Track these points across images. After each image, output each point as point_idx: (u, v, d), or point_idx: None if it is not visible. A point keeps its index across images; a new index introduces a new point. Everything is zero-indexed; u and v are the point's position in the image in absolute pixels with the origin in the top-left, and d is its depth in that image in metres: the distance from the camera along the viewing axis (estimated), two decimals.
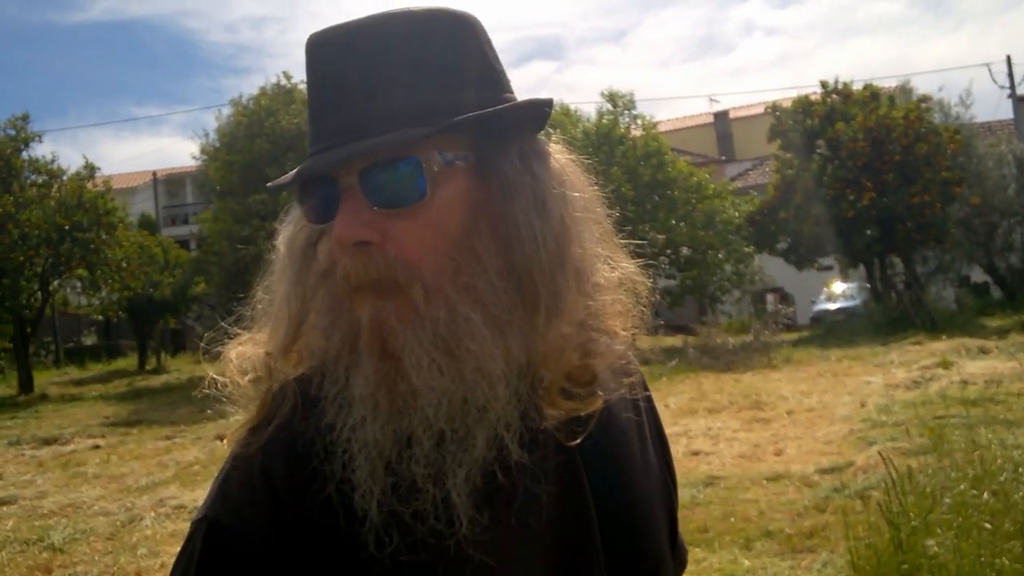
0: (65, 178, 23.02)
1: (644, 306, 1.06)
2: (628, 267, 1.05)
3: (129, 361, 29.09)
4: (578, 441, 0.99)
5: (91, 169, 23.26)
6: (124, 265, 23.45)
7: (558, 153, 1.02)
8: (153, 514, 7.82)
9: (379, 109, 0.91)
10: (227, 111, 25.91)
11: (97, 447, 12.33)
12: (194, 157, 28.66)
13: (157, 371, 26.00)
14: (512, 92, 1.00)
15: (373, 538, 0.89)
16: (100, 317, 29.79)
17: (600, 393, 1.01)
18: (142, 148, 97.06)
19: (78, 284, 25.47)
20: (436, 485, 0.90)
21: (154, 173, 46.91)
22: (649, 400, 1.19)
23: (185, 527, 0.87)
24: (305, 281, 0.99)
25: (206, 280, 25.51)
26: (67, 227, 21.85)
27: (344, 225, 0.90)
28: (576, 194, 1.00)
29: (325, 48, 0.93)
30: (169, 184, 48.38)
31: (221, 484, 0.98)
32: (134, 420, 15.13)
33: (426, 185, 0.91)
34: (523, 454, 0.92)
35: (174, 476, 9.66)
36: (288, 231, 1.03)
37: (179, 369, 25.86)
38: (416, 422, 0.90)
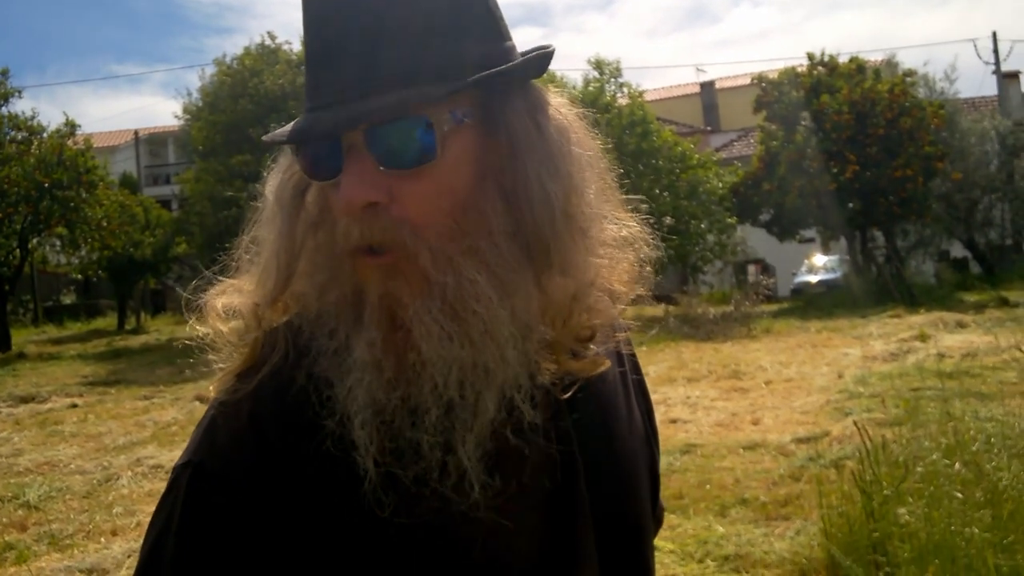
0: (45, 135, 22.73)
1: (647, 265, 1.05)
2: (633, 225, 1.04)
3: (108, 321, 28.93)
4: (568, 395, 0.98)
5: (72, 127, 22.99)
6: (104, 224, 23.26)
7: (563, 107, 1.00)
8: (130, 473, 7.82)
9: (385, 63, 0.87)
10: (210, 71, 25.70)
11: (75, 406, 12.30)
12: (177, 117, 28.48)
13: (136, 331, 25.90)
14: (511, 38, 0.97)
15: (372, 497, 0.88)
16: (79, 276, 29.61)
17: (602, 354, 1.02)
18: (122, 106, 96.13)
19: (57, 242, 25.30)
20: (447, 452, 0.89)
21: (136, 132, 46.44)
22: (633, 355, 1.19)
23: (162, 486, 0.85)
24: (294, 231, 0.96)
25: (187, 241, 25.37)
26: (47, 185, 21.63)
27: (353, 187, 0.87)
28: (583, 151, 0.98)
29: None
30: (151, 143, 47.94)
31: (207, 429, 0.96)
32: (112, 380, 15.09)
33: (436, 145, 0.88)
34: (535, 415, 0.92)
35: (152, 436, 9.65)
36: (276, 179, 1.00)
37: (159, 330, 25.76)
38: (426, 391, 0.89)
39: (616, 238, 1.02)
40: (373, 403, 0.88)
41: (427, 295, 0.88)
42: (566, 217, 0.92)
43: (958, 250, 29.57)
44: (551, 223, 0.91)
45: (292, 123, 0.92)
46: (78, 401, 12.69)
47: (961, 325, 14.66)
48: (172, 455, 8.28)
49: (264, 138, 0.94)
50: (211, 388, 1.00)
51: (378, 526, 0.89)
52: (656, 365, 12.76)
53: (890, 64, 28.22)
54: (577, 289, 0.96)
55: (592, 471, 1.01)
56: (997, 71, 34.30)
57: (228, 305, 1.00)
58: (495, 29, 0.94)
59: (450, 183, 0.90)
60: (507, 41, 0.96)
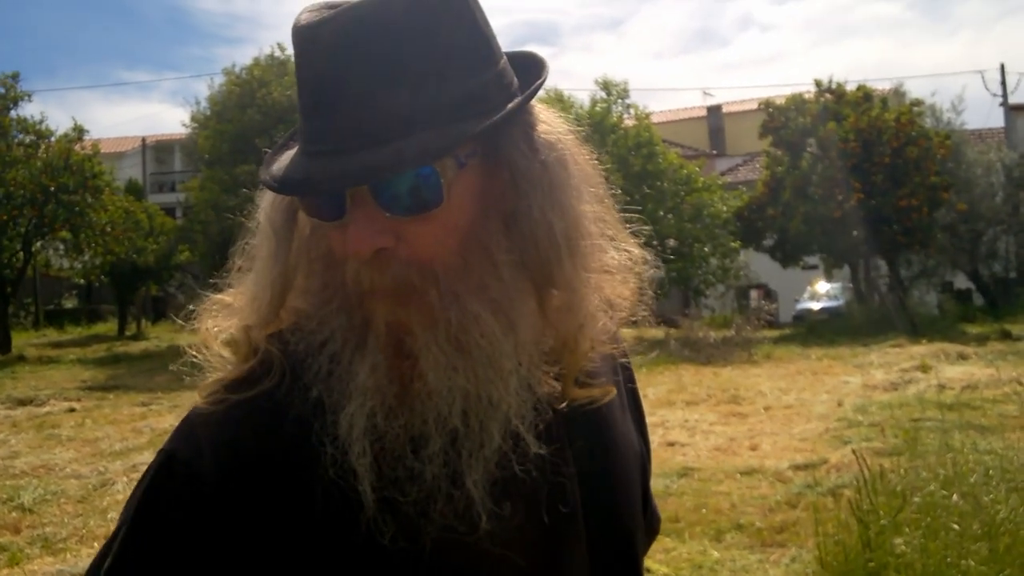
0: (53, 139, 22.77)
1: (648, 287, 1.06)
2: (634, 250, 1.05)
3: (109, 326, 28.92)
4: (564, 404, 0.99)
5: (79, 131, 23.04)
6: (108, 229, 23.28)
7: (554, 122, 0.99)
8: (125, 479, 7.80)
9: (382, 110, 0.85)
10: (219, 80, 25.79)
11: (72, 410, 12.29)
12: (184, 125, 28.55)
13: (137, 337, 25.86)
14: (502, 55, 0.96)
15: (372, 523, 0.89)
16: (82, 281, 29.57)
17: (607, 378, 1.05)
18: (131, 113, 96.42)
19: (61, 246, 25.28)
20: (453, 482, 0.90)
21: (143, 139, 46.58)
22: (628, 364, 1.19)
23: None
24: (288, 256, 0.96)
25: (190, 249, 25.38)
26: (52, 188, 21.67)
27: (362, 235, 0.87)
28: (579, 173, 0.99)
29: (318, 42, 0.86)
30: (158, 151, 48.03)
31: (184, 427, 0.97)
32: (111, 385, 15.07)
33: (443, 191, 0.88)
34: (540, 446, 0.92)
35: (148, 442, 9.63)
36: (268, 199, 0.99)
37: (159, 336, 25.74)
38: (430, 420, 0.89)
39: (617, 262, 1.03)
40: (373, 430, 0.88)
41: (434, 327, 0.89)
42: (568, 246, 0.94)
43: (962, 281, 29.53)
44: (555, 252, 0.92)
45: (286, 163, 0.91)
46: (76, 405, 12.68)
47: (963, 357, 14.63)
48: None
49: (261, 181, 0.92)
50: (198, 394, 0.99)
51: (377, 551, 0.89)
52: (655, 387, 12.73)
53: (897, 93, 28.29)
54: (583, 319, 0.97)
55: (589, 490, 1.02)
56: (1005, 103, 34.40)
57: (220, 325, 1.01)
58: (487, 56, 0.93)
59: (455, 222, 0.90)
60: (499, 62, 0.95)
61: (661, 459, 8.08)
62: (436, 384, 0.89)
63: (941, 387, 11.14)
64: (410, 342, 0.90)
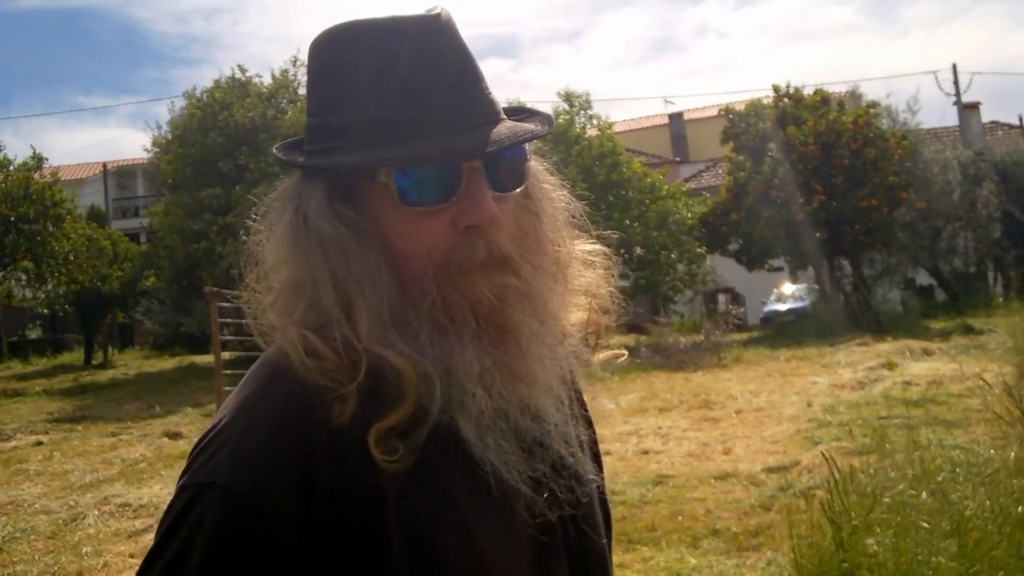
0: (12, 168, 22.51)
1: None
2: (599, 259, 1.12)
3: (75, 355, 28.54)
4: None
5: (39, 160, 22.77)
6: (71, 258, 23.00)
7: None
8: (97, 512, 7.70)
9: (487, 97, 0.99)
10: (180, 103, 25.65)
11: (40, 443, 12.08)
12: (145, 149, 28.37)
13: (104, 366, 25.57)
14: None
15: (529, 504, 0.96)
16: (46, 311, 29.18)
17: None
18: (90, 139, 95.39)
19: (23, 277, 24.95)
20: (547, 450, 0.99)
21: (104, 165, 46.09)
22: (575, 379, 1.21)
23: (130, 525, 0.80)
24: (369, 257, 0.96)
25: (156, 274, 25.18)
26: (12, 218, 21.38)
27: (490, 205, 0.95)
28: (556, 192, 1.10)
29: (443, 32, 0.97)
30: (119, 176, 47.55)
31: (246, 441, 0.91)
32: (79, 416, 14.87)
33: (526, 174, 1.02)
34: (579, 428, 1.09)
35: (119, 473, 9.53)
36: (316, 205, 0.97)
37: (126, 364, 25.47)
38: (540, 394, 0.98)
39: (589, 280, 1.11)
40: (494, 410, 0.94)
41: (526, 301, 0.97)
42: (561, 238, 1.07)
43: (923, 278, 29.91)
44: (559, 238, 1.06)
45: (414, 143, 0.94)
46: (43, 438, 12.46)
47: (927, 353, 14.83)
48: (140, 493, 8.18)
49: (420, 157, 0.94)
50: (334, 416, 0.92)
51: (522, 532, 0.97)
52: (627, 395, 12.77)
53: (854, 95, 28.60)
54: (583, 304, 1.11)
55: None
56: (958, 102, 34.89)
57: (312, 340, 0.94)
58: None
59: (516, 206, 1.03)
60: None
61: (636, 467, 8.12)
62: (531, 359, 0.97)
63: (907, 384, 11.29)
64: (505, 315, 0.96)
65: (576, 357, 1.06)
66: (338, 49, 0.98)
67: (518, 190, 1.00)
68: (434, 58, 0.96)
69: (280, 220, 1.00)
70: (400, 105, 0.94)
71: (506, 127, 0.97)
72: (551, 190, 1.08)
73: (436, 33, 0.97)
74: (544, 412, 0.98)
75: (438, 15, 0.98)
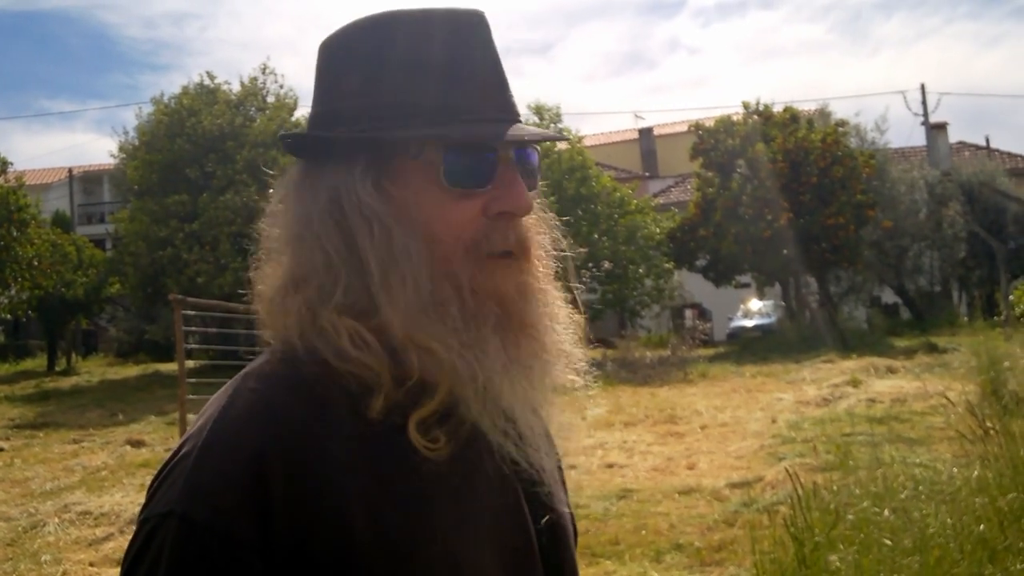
0: None
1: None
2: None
3: (38, 362, 28.20)
4: None
5: (3, 164, 22.51)
6: (35, 263, 22.72)
7: None
8: (57, 520, 7.59)
9: (512, 96, 1.03)
10: (147, 109, 25.43)
11: (0, 450, 11.92)
12: (112, 155, 28.07)
13: (67, 372, 25.25)
14: None
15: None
16: (8, 316, 28.80)
17: None
18: (55, 144, 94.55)
19: None
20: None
21: (70, 170, 45.62)
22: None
23: (90, 533, 0.77)
24: (415, 237, 0.95)
25: (121, 281, 24.89)
26: None
27: (525, 193, 0.98)
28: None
29: (480, 27, 1.01)
30: (85, 181, 47.11)
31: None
32: (41, 423, 14.67)
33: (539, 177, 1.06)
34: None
35: (80, 481, 9.41)
36: (357, 180, 0.96)
37: (90, 371, 25.17)
38: (535, 394, 0.99)
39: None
40: (509, 407, 0.95)
41: (535, 295, 1.00)
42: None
43: (889, 296, 30.28)
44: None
45: (471, 127, 0.97)
46: (4, 445, 12.31)
47: (891, 370, 14.97)
48: (101, 501, 8.07)
49: (478, 135, 0.97)
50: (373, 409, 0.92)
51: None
52: (593, 409, 12.79)
53: (823, 114, 28.95)
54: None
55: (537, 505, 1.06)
56: (926, 122, 35.35)
57: (359, 329, 0.93)
58: None
59: None
60: None
61: (600, 481, 8.12)
62: (549, 349, 1.00)
63: (871, 401, 11.39)
64: (525, 310, 0.98)
65: (570, 371, 1.05)
66: (386, 33, 0.98)
67: (533, 192, 1.02)
68: (486, 51, 1.01)
69: (308, 201, 0.98)
70: (453, 91, 0.97)
71: (530, 126, 1.01)
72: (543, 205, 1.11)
73: (484, 27, 1.01)
74: (545, 414, 1.01)
75: (482, 12, 1.02)
